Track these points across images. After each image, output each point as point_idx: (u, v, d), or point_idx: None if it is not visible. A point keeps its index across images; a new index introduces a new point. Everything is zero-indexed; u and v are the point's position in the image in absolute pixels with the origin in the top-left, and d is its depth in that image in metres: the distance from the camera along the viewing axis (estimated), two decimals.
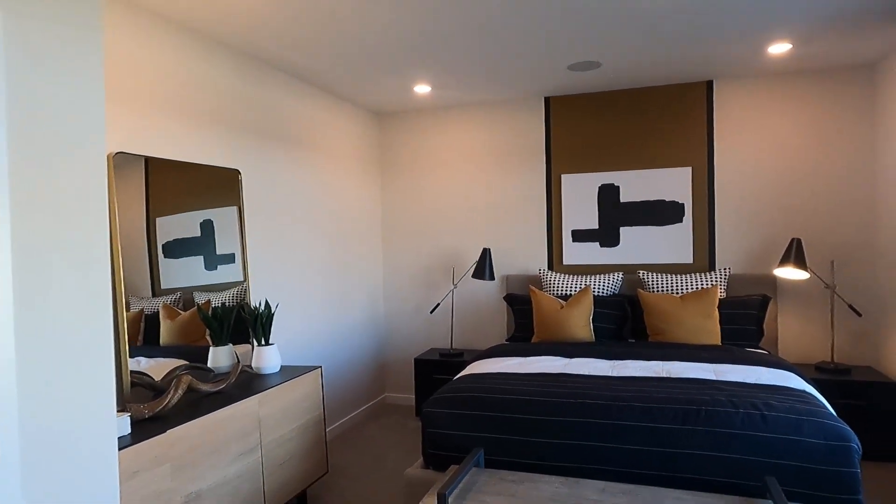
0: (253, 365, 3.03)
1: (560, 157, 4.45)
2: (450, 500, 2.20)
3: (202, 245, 2.95)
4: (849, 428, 2.24)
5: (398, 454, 3.79)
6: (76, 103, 1.43)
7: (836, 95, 3.84)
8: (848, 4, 2.82)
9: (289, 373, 3.00)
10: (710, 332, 3.53)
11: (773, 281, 3.91)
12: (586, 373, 3.01)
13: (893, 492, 3.03)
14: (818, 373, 3.59)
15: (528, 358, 3.37)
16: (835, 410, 3.45)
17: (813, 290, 3.91)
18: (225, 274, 3.09)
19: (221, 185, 3.11)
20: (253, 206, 3.38)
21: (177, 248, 2.80)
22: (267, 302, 3.10)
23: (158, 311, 2.67)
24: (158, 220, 2.70)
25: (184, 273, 2.83)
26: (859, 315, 3.66)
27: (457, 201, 4.74)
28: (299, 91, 3.84)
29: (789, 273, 3.67)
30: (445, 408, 2.72)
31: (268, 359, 3.01)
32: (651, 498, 2.19)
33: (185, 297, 2.83)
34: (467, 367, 3.37)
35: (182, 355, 2.78)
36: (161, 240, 2.72)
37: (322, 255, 4.09)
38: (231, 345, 3.00)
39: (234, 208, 3.17)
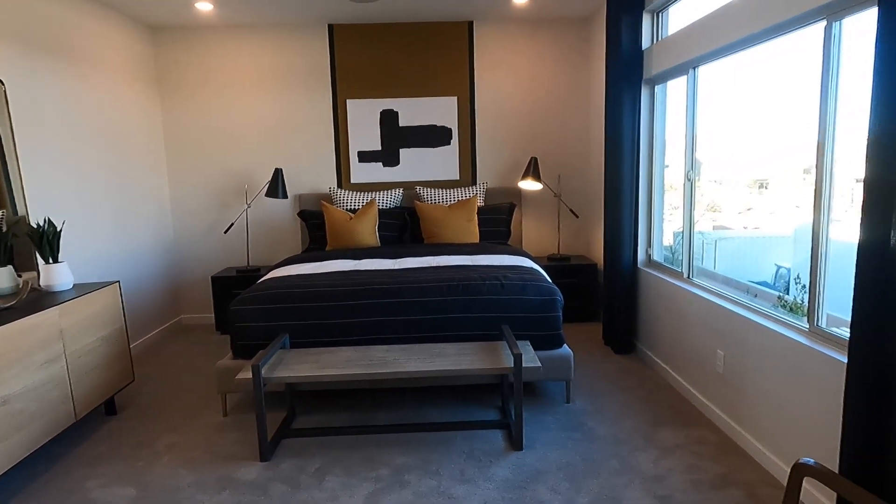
0: (42, 284, 2.99)
1: (345, 83, 4.80)
2: (263, 370, 2.62)
3: None
4: (556, 287, 3.16)
5: (204, 361, 4.02)
6: None
7: (563, 40, 4.80)
8: None
9: (83, 289, 3.03)
10: (471, 232, 4.36)
11: (519, 192, 4.88)
12: (373, 268, 3.58)
13: (590, 340, 4.24)
14: (549, 261, 4.68)
15: (323, 262, 3.83)
16: (558, 288, 4.57)
17: (546, 198, 4.98)
18: None
19: None
20: (23, 123, 3.17)
21: None
22: (50, 220, 3.04)
23: None
24: None
25: None
26: (577, 216, 4.82)
27: (246, 123, 4.84)
28: None
29: (529, 185, 4.63)
30: (253, 304, 3.07)
31: (59, 276, 2.99)
32: (423, 351, 2.87)
33: None
34: (268, 274, 3.71)
35: None
36: None
37: (103, 176, 3.95)
38: (11, 266, 2.91)
39: None
